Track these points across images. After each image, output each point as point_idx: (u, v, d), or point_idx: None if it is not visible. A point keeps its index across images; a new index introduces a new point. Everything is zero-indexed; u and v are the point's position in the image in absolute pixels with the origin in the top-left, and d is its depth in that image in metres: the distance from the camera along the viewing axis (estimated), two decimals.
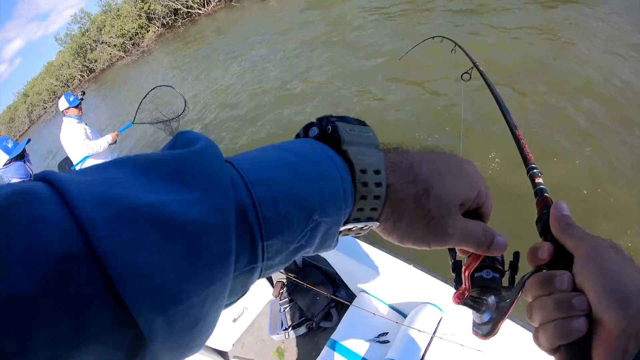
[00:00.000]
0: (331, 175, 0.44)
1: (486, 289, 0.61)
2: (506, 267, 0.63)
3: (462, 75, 1.86)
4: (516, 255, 0.62)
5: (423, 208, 0.50)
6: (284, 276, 3.64)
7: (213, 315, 0.37)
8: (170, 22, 31.56)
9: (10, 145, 3.03)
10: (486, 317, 0.60)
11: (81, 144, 4.40)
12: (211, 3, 28.67)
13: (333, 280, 3.41)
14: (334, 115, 0.51)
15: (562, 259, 0.52)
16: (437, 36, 2.83)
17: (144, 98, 5.09)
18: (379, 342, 2.64)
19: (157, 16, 31.64)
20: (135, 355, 0.30)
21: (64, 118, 4.56)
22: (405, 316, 2.67)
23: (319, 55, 10.86)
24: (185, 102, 5.04)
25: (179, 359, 0.35)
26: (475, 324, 0.63)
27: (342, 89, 8.51)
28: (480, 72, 1.55)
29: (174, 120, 4.98)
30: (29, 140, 3.25)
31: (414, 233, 0.52)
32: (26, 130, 48.85)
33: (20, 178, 3.02)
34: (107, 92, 26.52)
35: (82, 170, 0.33)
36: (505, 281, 0.62)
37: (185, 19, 30.63)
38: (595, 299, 0.44)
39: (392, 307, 2.79)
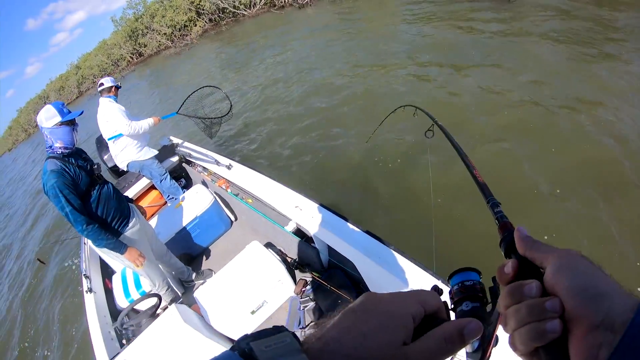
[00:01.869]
0: None
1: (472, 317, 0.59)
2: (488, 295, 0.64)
3: (425, 133, 1.90)
4: (494, 280, 0.62)
5: None
6: (308, 274, 3.51)
7: None
8: (216, 19, 31.57)
9: (65, 110, 3.00)
10: (475, 344, 0.61)
11: (124, 124, 4.47)
12: (256, 6, 28.62)
13: (357, 285, 3.22)
14: (250, 334, 0.47)
15: (527, 272, 0.55)
16: (401, 106, 2.78)
17: (192, 93, 5.00)
18: None
19: (205, 12, 31.66)
20: None
21: (100, 99, 4.61)
22: None
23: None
24: (230, 106, 4.90)
25: None
26: (467, 353, 0.63)
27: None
28: (440, 127, 1.57)
29: (215, 121, 4.85)
30: (82, 112, 3.15)
31: None
32: (74, 99, 49.36)
33: (65, 143, 2.98)
34: (152, 77, 26.76)
35: None
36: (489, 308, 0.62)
37: (230, 18, 30.59)
38: (570, 298, 0.46)
39: None
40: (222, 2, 29.69)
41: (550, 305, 0.47)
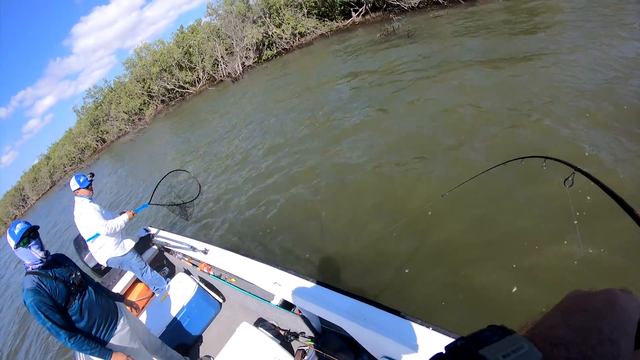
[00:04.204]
0: None
1: None
2: None
3: (564, 182, 1.59)
4: None
5: None
6: (304, 344, 3.22)
7: None
8: (166, 100, 31.04)
9: (16, 231, 2.71)
10: None
11: (100, 225, 4.05)
12: (200, 82, 28.49)
13: (354, 346, 2.91)
14: (465, 338, 0.36)
15: None
16: (524, 157, 2.27)
17: (160, 181, 4.71)
18: None
19: (156, 94, 31.10)
20: None
21: (75, 198, 4.14)
22: None
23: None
24: (199, 187, 4.65)
25: None
26: None
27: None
28: (585, 173, 1.30)
29: (188, 204, 4.56)
30: (31, 228, 2.78)
31: None
32: (47, 190, 46.66)
33: (31, 261, 2.73)
34: (117, 164, 25.23)
35: None
36: None
37: (178, 98, 30.17)
38: None
39: None
40: (167, 83, 29.36)
41: None
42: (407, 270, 4.23)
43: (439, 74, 8.95)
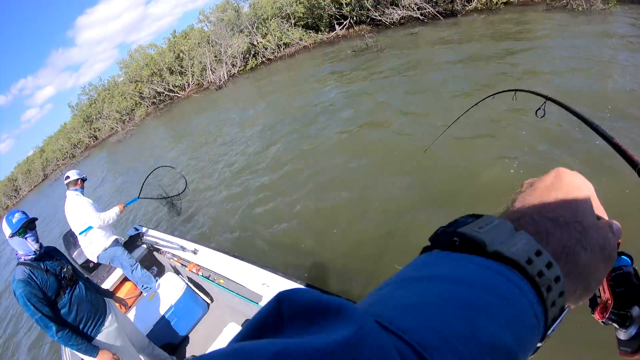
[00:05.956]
0: (509, 292, 0.27)
1: (627, 299, 0.45)
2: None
3: (536, 112, 1.47)
4: None
5: (593, 248, 0.35)
6: None
7: None
8: (157, 102, 30.24)
9: (14, 220, 2.62)
10: (633, 330, 0.43)
11: (94, 217, 3.89)
12: (189, 86, 27.91)
13: None
14: (444, 226, 0.35)
15: None
16: (495, 93, 2.12)
17: (148, 176, 4.68)
18: None
19: (147, 96, 30.28)
20: None
21: (67, 192, 3.97)
22: None
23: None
24: (186, 182, 4.58)
25: None
26: (621, 342, 0.45)
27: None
28: (556, 101, 1.21)
29: (176, 197, 4.49)
30: (31, 220, 2.70)
31: (598, 276, 0.36)
32: (40, 182, 44.89)
33: (24, 252, 2.61)
34: (107, 162, 24.10)
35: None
36: None
37: (168, 101, 29.43)
38: None
39: None
40: (157, 87, 28.70)
41: None
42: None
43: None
